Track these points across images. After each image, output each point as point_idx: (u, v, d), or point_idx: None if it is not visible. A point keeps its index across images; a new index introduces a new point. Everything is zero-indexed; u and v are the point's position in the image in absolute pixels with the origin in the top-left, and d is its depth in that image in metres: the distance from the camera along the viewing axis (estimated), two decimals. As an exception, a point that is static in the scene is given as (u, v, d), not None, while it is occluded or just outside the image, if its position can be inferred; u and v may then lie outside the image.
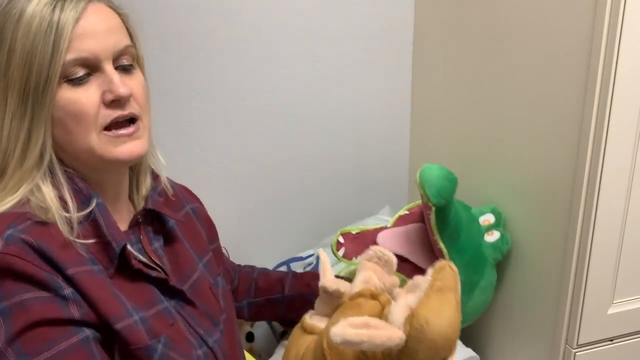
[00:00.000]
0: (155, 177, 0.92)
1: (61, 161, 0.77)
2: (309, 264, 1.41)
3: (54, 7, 0.72)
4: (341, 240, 1.27)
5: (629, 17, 0.93)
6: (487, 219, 1.27)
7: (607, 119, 0.99)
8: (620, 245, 1.10)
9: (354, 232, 1.29)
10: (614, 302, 1.14)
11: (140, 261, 0.80)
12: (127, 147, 0.77)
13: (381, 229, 1.30)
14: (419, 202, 1.34)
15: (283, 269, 1.44)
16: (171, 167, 0.98)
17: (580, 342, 1.14)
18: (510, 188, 1.27)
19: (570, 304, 1.12)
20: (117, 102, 0.75)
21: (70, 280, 0.71)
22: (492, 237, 1.24)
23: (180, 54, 1.38)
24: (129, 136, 0.77)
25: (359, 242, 1.26)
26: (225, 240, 1.16)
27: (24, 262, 0.69)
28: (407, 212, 1.34)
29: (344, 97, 1.54)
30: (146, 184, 0.90)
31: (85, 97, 0.74)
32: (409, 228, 1.27)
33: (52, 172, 0.76)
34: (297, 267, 1.42)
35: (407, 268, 1.20)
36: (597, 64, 0.97)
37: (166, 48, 1.36)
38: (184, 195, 1.02)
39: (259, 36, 1.42)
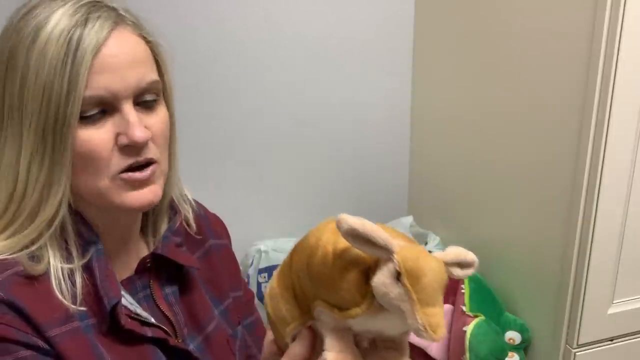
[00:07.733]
0: (175, 212, 0.81)
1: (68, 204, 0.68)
2: None
3: (73, 31, 0.62)
4: None
5: (629, 17, 0.93)
6: (512, 337, 1.26)
7: (607, 119, 0.99)
8: (620, 246, 1.10)
9: None
10: (614, 302, 1.14)
11: (136, 318, 0.70)
12: (138, 195, 0.67)
13: None
14: None
15: None
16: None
17: (580, 342, 1.14)
18: (509, 188, 1.27)
19: (570, 304, 1.13)
20: (132, 147, 0.65)
21: (49, 343, 0.63)
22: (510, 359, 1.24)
23: (178, 54, 1.38)
24: (143, 182, 0.67)
25: None
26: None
27: (2, 327, 0.60)
28: None
29: (344, 100, 1.54)
30: (164, 224, 0.80)
31: (98, 138, 0.64)
32: None
33: (62, 224, 0.66)
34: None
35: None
36: (597, 64, 0.97)
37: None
38: (212, 227, 0.89)
39: (258, 37, 1.42)
